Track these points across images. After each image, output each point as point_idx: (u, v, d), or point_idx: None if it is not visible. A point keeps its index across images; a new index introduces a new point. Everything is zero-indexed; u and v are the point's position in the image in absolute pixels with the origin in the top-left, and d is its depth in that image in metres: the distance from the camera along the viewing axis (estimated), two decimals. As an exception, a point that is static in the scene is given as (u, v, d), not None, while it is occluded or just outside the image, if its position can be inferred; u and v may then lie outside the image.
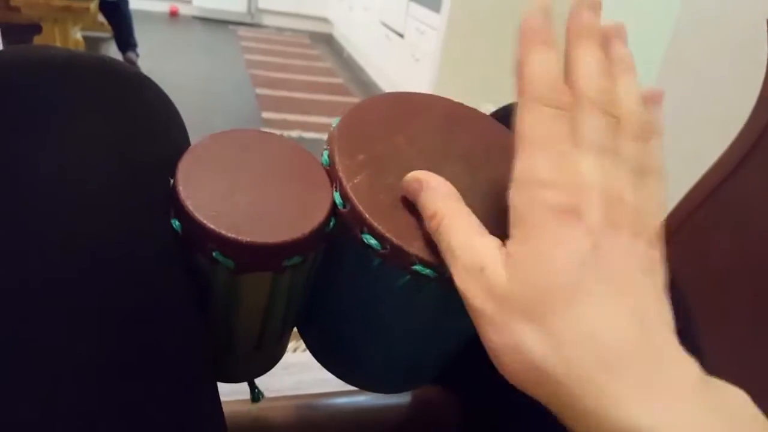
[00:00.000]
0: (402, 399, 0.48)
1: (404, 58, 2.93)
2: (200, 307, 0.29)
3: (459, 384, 0.44)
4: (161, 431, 0.25)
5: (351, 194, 0.28)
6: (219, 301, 0.30)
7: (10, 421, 0.21)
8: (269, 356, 0.39)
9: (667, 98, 0.24)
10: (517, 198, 0.23)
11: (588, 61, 0.23)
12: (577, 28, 0.24)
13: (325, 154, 0.31)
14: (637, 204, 0.23)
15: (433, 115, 0.34)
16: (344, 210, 0.28)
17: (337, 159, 0.29)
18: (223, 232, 0.26)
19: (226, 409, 0.32)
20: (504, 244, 0.24)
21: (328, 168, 0.30)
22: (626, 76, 0.24)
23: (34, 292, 0.22)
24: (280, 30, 4.47)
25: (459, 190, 0.27)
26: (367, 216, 0.27)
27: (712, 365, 0.24)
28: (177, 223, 0.27)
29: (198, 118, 2.22)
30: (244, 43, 3.77)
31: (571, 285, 0.21)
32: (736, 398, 0.21)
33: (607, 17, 0.24)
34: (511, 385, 0.23)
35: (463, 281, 0.24)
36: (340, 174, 0.29)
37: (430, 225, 0.26)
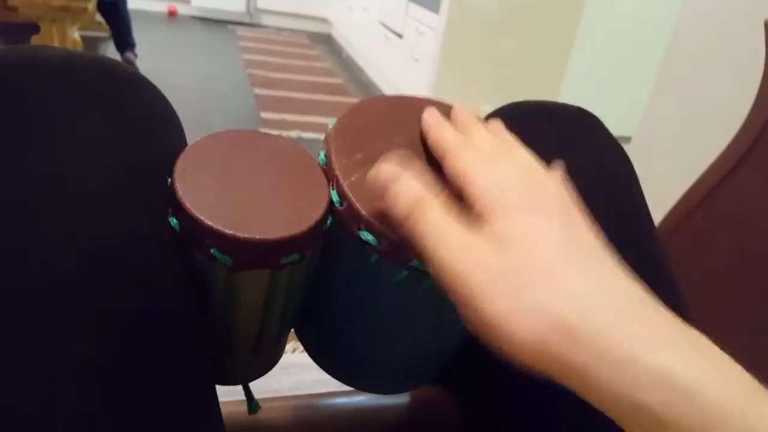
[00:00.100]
0: (401, 399, 0.48)
1: (403, 59, 2.93)
2: (199, 307, 0.29)
3: (459, 384, 0.44)
4: (160, 431, 0.25)
5: (348, 192, 0.28)
6: (217, 301, 0.30)
7: (11, 420, 0.21)
8: (267, 359, 0.39)
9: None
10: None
11: (446, 139, 0.30)
12: (435, 141, 0.31)
13: (322, 153, 0.31)
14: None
15: None
16: (341, 208, 0.29)
17: (333, 158, 0.30)
18: (221, 228, 0.26)
19: (224, 409, 0.32)
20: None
21: (324, 167, 0.31)
22: (473, 127, 0.31)
23: (34, 292, 0.22)
24: (279, 30, 4.47)
25: None
26: (363, 213, 0.27)
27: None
28: (175, 221, 0.27)
29: (197, 118, 2.22)
30: (242, 43, 3.77)
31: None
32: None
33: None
34: (511, 385, 0.23)
35: (456, 262, 0.23)
36: (337, 172, 0.29)
37: (406, 222, 0.25)
